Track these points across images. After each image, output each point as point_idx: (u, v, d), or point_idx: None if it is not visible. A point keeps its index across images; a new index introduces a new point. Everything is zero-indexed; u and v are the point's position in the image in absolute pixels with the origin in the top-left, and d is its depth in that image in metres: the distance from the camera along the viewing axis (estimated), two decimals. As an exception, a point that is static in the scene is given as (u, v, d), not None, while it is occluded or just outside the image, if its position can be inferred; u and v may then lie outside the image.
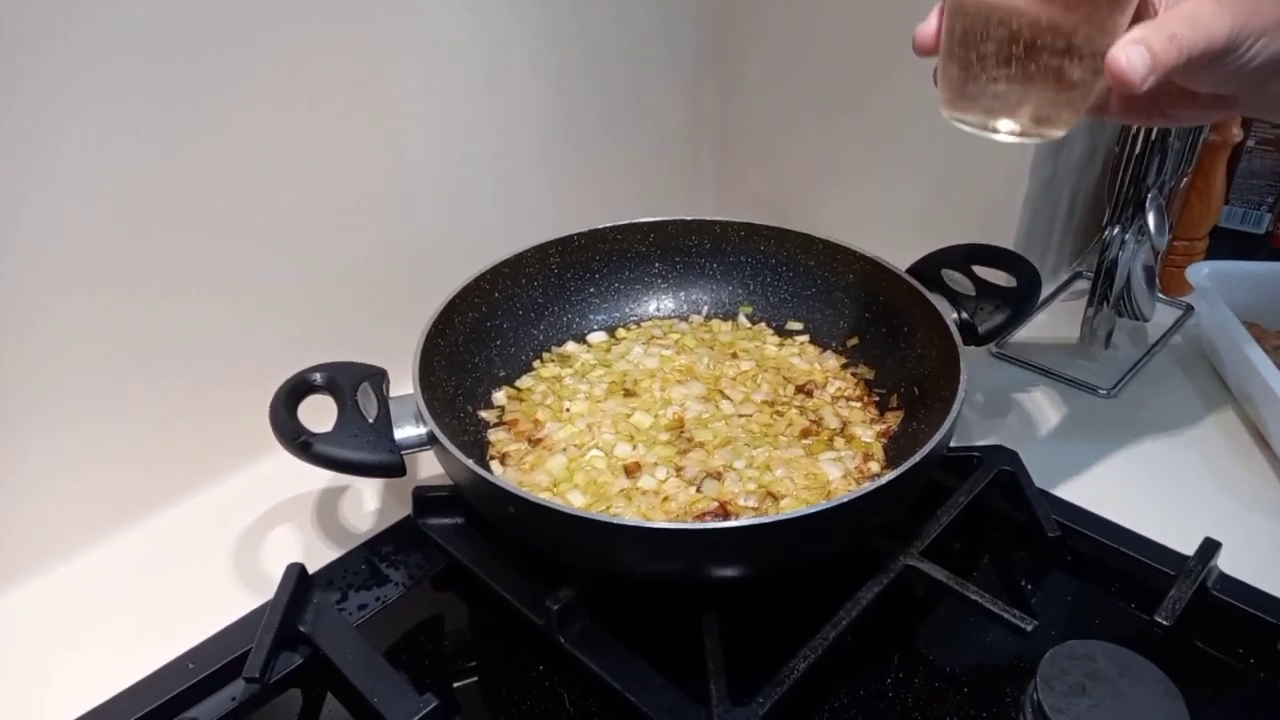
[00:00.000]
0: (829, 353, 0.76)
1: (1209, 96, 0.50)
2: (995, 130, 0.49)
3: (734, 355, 0.76)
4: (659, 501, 0.61)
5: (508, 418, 0.70)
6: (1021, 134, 0.49)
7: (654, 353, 0.76)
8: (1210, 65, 0.45)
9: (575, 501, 0.62)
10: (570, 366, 0.75)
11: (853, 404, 0.71)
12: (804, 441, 0.67)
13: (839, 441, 0.67)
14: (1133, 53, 0.43)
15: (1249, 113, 0.57)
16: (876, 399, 0.72)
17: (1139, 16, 0.46)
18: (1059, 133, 0.50)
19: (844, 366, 0.75)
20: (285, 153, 0.66)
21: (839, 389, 0.72)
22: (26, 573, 0.63)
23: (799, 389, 0.72)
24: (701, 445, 0.66)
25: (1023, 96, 0.47)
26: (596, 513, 0.59)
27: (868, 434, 0.68)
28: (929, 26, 0.50)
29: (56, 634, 0.60)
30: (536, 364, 0.75)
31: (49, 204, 0.56)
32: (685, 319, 0.81)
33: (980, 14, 0.46)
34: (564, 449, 0.66)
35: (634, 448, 0.66)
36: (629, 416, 0.69)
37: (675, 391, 0.71)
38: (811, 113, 0.91)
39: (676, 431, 0.68)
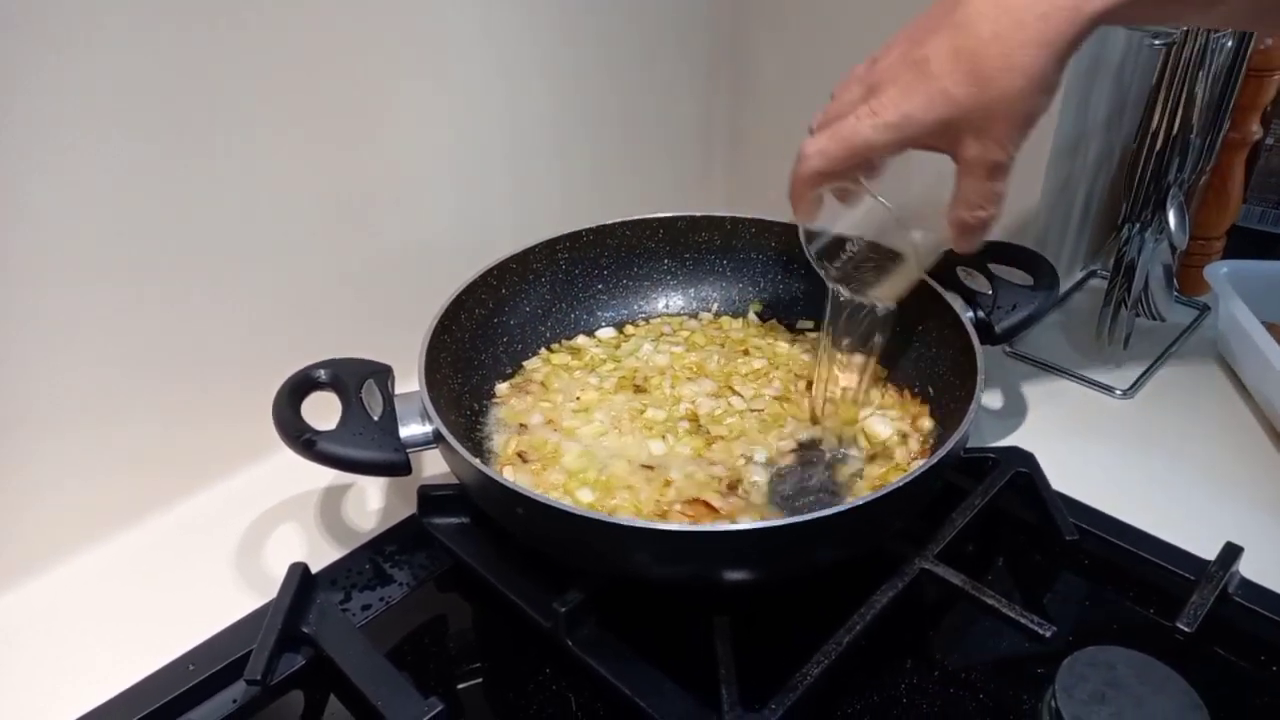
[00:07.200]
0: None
1: None
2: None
3: (745, 352, 0.75)
4: (661, 486, 0.61)
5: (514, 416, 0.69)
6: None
7: (664, 350, 0.75)
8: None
9: (584, 499, 0.60)
10: (580, 359, 0.74)
11: (866, 403, 0.70)
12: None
13: (852, 441, 0.66)
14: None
15: None
16: (890, 398, 0.70)
17: None
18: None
19: (856, 365, 0.74)
20: (293, 151, 0.65)
21: (852, 388, 0.71)
22: (27, 573, 0.62)
23: (811, 385, 0.71)
24: (721, 438, 0.65)
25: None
26: (605, 514, 0.58)
27: (882, 433, 0.67)
28: None
29: (56, 635, 0.59)
30: (544, 352, 0.75)
31: (53, 205, 0.55)
32: (695, 316, 0.80)
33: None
34: (580, 447, 0.65)
35: (663, 439, 0.65)
36: (642, 413, 0.68)
37: (686, 389, 0.70)
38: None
39: (694, 424, 0.67)
